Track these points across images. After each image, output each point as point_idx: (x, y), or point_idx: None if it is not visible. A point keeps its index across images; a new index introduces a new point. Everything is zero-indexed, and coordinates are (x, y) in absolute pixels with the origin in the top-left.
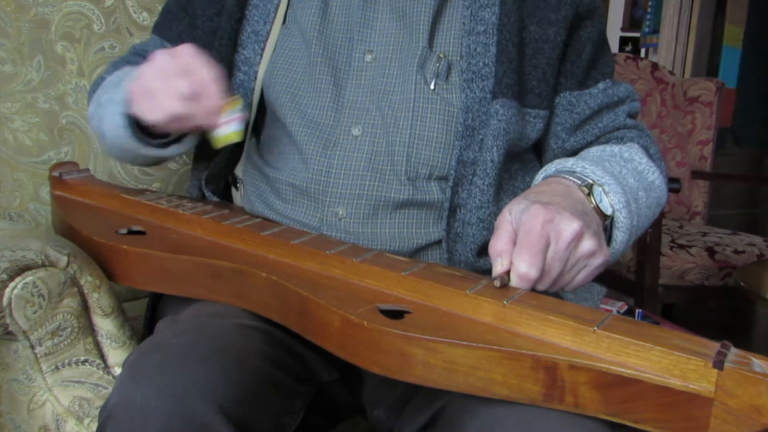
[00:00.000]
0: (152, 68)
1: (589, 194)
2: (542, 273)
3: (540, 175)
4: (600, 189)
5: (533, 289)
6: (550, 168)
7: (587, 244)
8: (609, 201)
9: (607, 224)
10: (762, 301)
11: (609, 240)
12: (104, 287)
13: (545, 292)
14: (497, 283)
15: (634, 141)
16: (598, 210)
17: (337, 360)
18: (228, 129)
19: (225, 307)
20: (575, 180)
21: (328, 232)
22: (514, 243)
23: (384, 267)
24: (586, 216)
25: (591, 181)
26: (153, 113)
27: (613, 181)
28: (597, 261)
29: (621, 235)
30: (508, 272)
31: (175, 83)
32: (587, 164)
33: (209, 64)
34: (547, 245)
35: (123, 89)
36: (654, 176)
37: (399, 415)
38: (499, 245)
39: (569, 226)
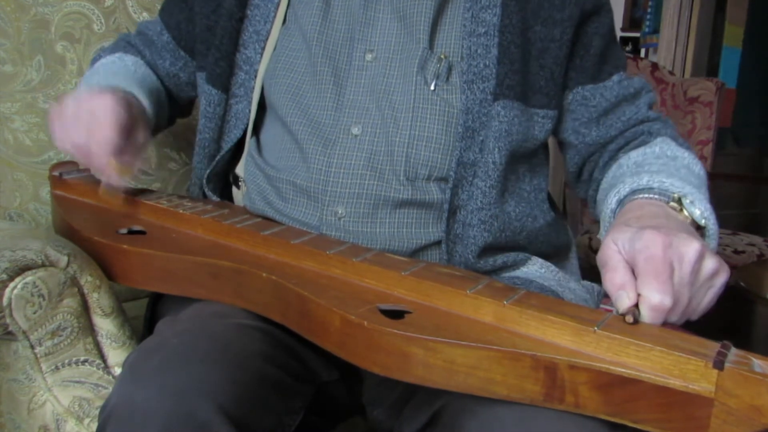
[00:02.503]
0: (70, 104)
1: (681, 209)
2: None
3: (612, 198)
4: (687, 201)
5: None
6: (622, 189)
7: (710, 264)
8: (699, 211)
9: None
10: (762, 301)
11: None
12: (104, 287)
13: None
14: (630, 319)
15: (661, 134)
16: (694, 224)
17: (337, 360)
18: (115, 186)
19: (225, 307)
20: (661, 197)
21: (327, 231)
22: (632, 274)
23: (384, 267)
24: (694, 234)
25: (677, 195)
26: (56, 141)
27: (694, 190)
28: (721, 280)
29: (713, 243)
30: (636, 305)
31: (77, 130)
32: (663, 177)
33: (115, 124)
34: (672, 271)
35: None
36: (698, 168)
37: (399, 415)
38: (618, 278)
39: (691, 248)
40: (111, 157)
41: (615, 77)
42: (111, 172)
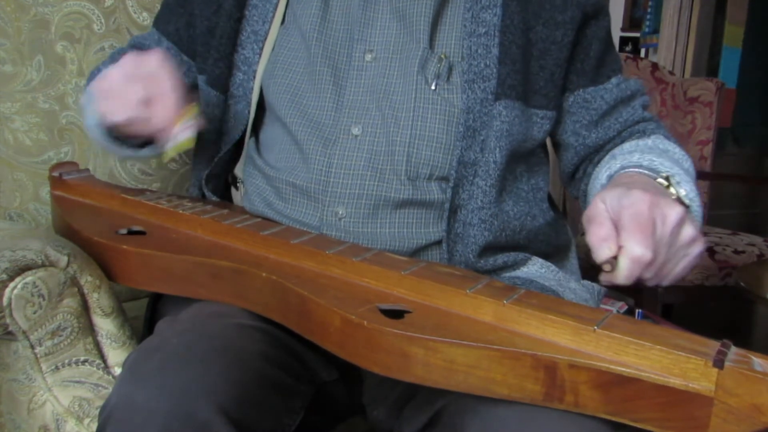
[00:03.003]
0: (115, 70)
1: (668, 186)
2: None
3: (603, 174)
4: (674, 180)
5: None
6: (612, 165)
7: (689, 230)
8: (683, 191)
9: None
10: (762, 301)
11: None
12: (104, 287)
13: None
14: (608, 268)
15: (656, 133)
16: (679, 201)
17: (337, 360)
18: (180, 137)
19: (225, 307)
20: (651, 173)
21: (328, 231)
22: (616, 230)
23: (384, 266)
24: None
25: (665, 173)
26: (111, 114)
27: (681, 172)
28: (696, 249)
29: (697, 225)
30: (614, 258)
31: (133, 87)
32: (654, 157)
33: (171, 73)
34: (655, 229)
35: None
36: (688, 164)
37: (399, 415)
38: (602, 232)
39: (674, 210)
40: (175, 111)
41: (613, 80)
42: (180, 124)
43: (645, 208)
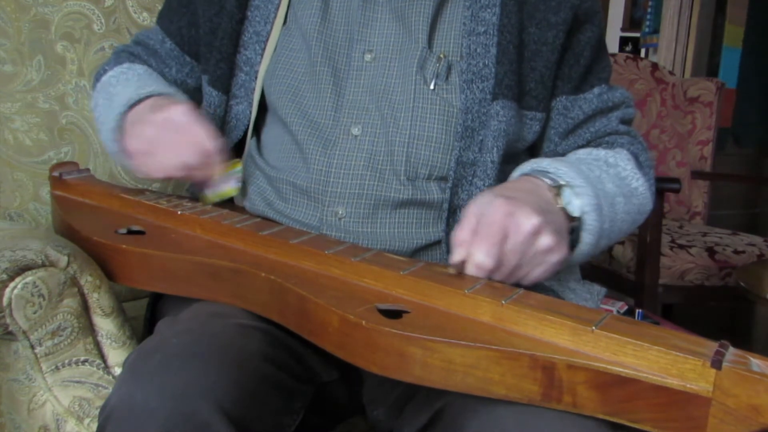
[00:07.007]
0: (148, 131)
1: (557, 195)
2: (499, 264)
3: (516, 172)
4: (570, 191)
5: (490, 278)
6: (525, 166)
7: (545, 240)
8: (580, 203)
9: (575, 225)
10: (762, 301)
11: (576, 240)
12: (104, 287)
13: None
14: (452, 271)
15: (624, 147)
16: (564, 211)
17: (337, 360)
18: (223, 187)
19: (225, 307)
20: (546, 180)
21: (328, 231)
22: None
23: (382, 266)
24: (549, 214)
25: (563, 183)
26: (153, 172)
27: (585, 184)
28: (554, 258)
29: (589, 237)
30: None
31: (167, 154)
32: (562, 165)
33: (204, 130)
34: (506, 237)
35: (116, 121)
36: (638, 183)
37: (399, 415)
38: (460, 235)
39: (528, 221)
40: (217, 163)
41: (596, 90)
42: (223, 176)
43: (498, 217)
